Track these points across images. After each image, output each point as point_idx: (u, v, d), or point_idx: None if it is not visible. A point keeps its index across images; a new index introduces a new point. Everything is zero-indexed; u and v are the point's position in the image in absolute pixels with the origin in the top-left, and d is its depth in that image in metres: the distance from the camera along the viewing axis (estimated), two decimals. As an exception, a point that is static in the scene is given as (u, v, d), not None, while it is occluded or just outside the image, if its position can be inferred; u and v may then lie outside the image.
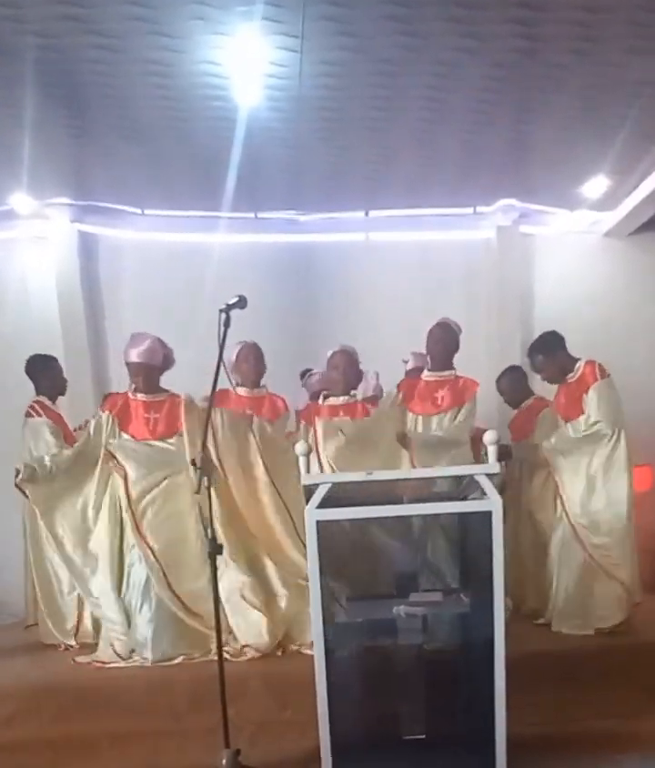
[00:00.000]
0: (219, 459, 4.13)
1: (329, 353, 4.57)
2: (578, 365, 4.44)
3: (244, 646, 4.05)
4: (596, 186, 6.08)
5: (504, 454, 4.85)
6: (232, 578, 4.07)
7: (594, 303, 6.77)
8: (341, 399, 4.53)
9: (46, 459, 4.34)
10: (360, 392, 4.72)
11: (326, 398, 4.58)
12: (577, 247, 6.93)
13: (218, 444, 4.14)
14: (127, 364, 4.31)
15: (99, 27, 3.77)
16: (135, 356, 4.25)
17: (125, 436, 4.28)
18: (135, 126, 4.91)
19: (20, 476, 4.20)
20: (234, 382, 4.35)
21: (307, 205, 6.54)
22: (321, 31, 3.84)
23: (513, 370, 5.38)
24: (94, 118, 4.79)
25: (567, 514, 4.33)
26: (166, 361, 4.37)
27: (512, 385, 5.31)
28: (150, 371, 4.29)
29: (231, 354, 4.37)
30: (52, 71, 4.12)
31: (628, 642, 4.08)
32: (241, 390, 4.46)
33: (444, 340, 4.58)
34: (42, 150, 4.97)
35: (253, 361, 4.45)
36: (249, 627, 4.06)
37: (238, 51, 3.94)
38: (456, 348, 4.62)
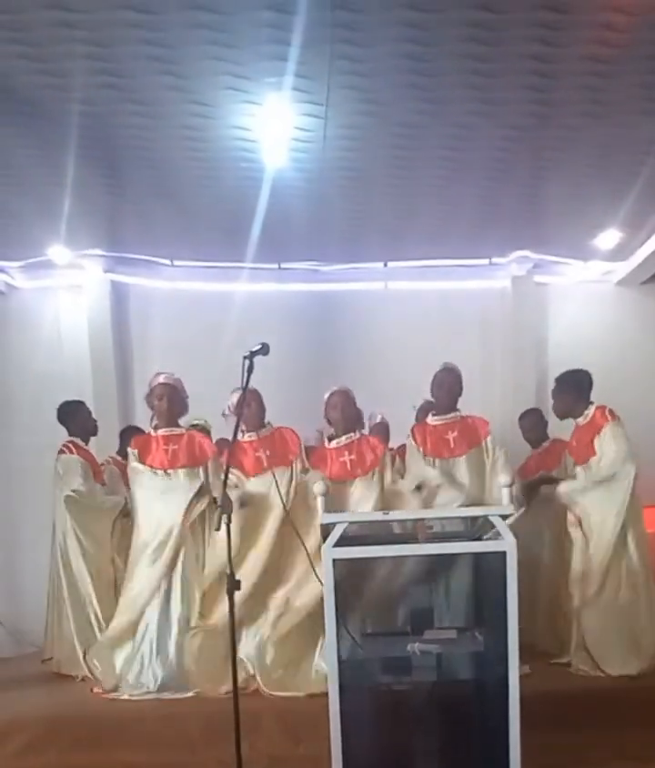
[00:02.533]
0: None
1: (326, 395, 4.63)
2: (589, 409, 4.54)
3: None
4: (608, 238, 6.20)
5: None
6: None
7: (607, 349, 6.84)
8: (344, 440, 4.59)
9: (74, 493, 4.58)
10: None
11: (331, 439, 4.67)
12: (590, 296, 7.06)
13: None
14: (152, 390, 4.47)
15: (137, 96, 4.00)
16: (162, 378, 4.46)
17: (144, 466, 4.46)
18: (167, 185, 5.14)
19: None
20: (241, 430, 4.42)
21: (329, 256, 6.72)
22: (344, 98, 4.02)
23: (534, 412, 5.57)
24: (129, 178, 5.03)
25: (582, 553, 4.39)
26: (184, 403, 4.54)
27: (532, 425, 5.47)
28: (174, 394, 4.45)
29: (231, 401, 4.48)
30: (92, 135, 4.35)
31: (647, 683, 4.05)
32: (250, 436, 4.55)
33: (448, 384, 4.66)
34: (79, 206, 5.20)
35: (254, 407, 4.51)
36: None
37: (267, 118, 4.13)
38: (460, 391, 4.69)
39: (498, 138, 4.60)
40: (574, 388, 4.61)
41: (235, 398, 4.45)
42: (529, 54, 3.70)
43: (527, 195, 5.52)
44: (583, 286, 7.06)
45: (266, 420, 4.64)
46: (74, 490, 4.75)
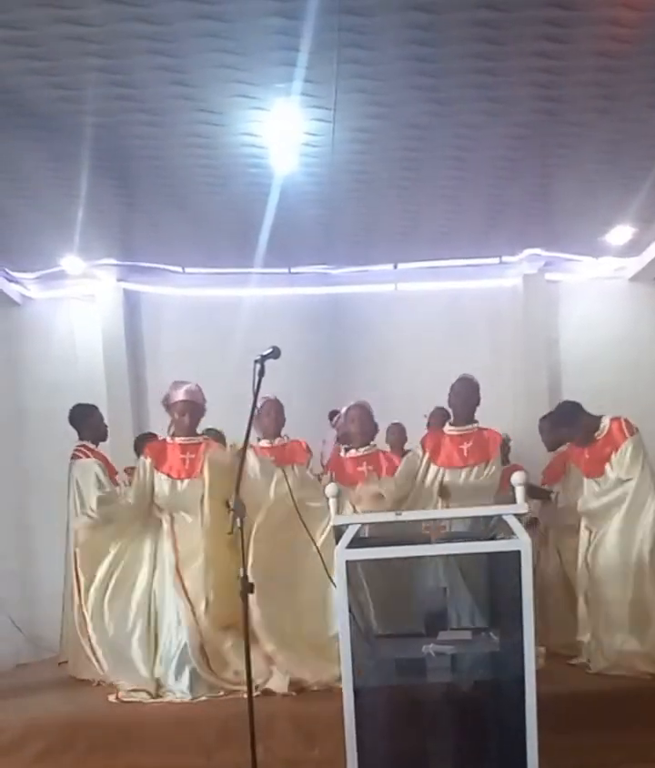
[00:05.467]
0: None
1: (344, 408, 4.74)
2: (603, 423, 4.44)
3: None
4: (620, 234, 6.18)
5: (541, 493, 4.94)
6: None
7: (620, 345, 6.84)
8: (361, 451, 4.66)
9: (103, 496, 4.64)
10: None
11: (346, 450, 4.72)
12: (602, 292, 7.04)
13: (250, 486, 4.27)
14: (173, 404, 4.48)
15: (148, 106, 4.04)
16: (182, 394, 4.46)
17: (160, 475, 4.48)
18: (178, 193, 5.19)
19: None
20: (257, 436, 4.49)
21: (339, 259, 6.75)
22: (352, 102, 4.04)
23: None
24: (141, 187, 5.09)
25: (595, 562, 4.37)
26: (203, 410, 4.56)
27: (552, 428, 5.42)
28: (195, 409, 4.48)
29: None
30: (104, 146, 4.39)
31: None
32: (263, 443, 4.62)
33: (465, 395, 4.64)
34: (92, 216, 5.25)
35: (274, 415, 4.59)
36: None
37: (275, 123, 4.16)
38: (477, 402, 4.68)
39: (506, 137, 4.61)
40: (576, 415, 4.52)
41: (258, 408, 4.49)
42: (536, 51, 3.70)
43: (537, 192, 5.53)
44: (595, 282, 7.03)
45: (283, 433, 4.71)
46: (103, 492, 4.79)
